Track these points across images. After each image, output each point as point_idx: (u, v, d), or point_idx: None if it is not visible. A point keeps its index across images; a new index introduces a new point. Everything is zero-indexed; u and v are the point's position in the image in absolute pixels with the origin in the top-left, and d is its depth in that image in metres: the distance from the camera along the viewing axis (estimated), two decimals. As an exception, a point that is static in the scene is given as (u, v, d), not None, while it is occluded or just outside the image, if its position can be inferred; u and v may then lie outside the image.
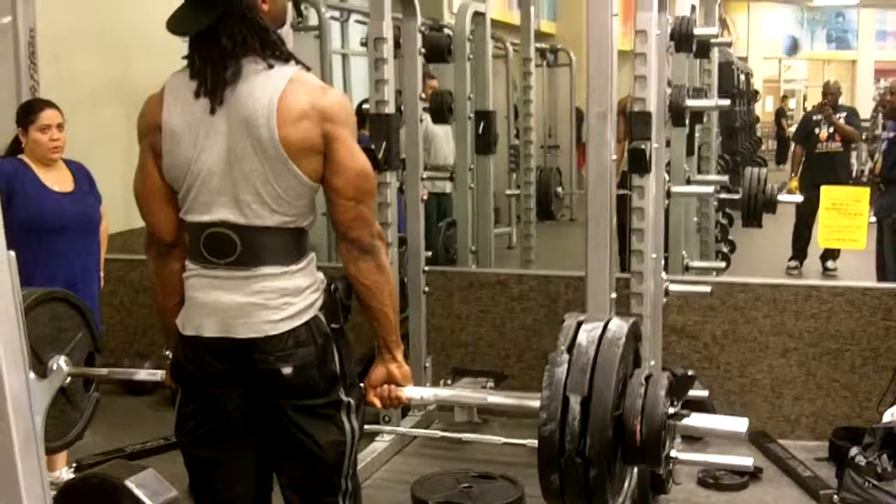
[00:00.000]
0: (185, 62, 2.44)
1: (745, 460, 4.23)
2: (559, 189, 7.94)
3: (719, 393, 5.06)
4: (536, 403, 2.12)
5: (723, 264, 6.68)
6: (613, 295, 3.75)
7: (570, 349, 2.13)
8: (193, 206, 2.41)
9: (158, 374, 2.75)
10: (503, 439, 4.76)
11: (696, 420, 2.20)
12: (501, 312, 5.46)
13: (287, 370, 2.35)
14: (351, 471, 2.51)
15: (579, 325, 2.18)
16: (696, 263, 6.37)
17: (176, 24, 2.42)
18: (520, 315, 5.43)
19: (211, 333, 2.40)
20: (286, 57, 2.41)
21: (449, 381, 5.26)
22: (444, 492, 4.12)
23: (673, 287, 4.69)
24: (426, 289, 5.11)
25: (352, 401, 2.46)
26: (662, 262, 4.64)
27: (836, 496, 4.28)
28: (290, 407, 2.42)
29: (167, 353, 2.63)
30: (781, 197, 6.42)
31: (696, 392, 4.85)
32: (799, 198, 7.24)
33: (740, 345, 5.09)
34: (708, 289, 4.88)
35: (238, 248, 2.37)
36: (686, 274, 6.06)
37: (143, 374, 2.81)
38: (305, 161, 2.34)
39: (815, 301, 5.00)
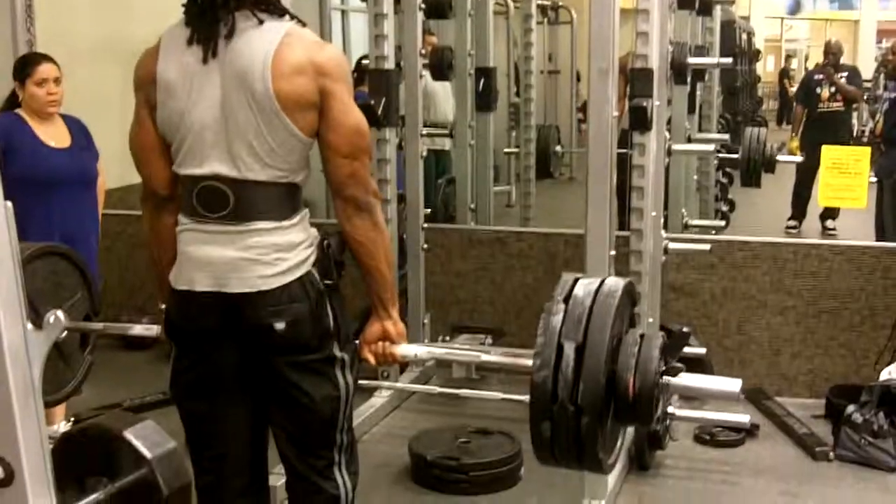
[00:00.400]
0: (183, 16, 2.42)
1: (742, 417, 4.29)
2: (558, 148, 7.91)
3: (717, 350, 5.07)
4: (531, 362, 2.10)
5: (722, 223, 6.70)
6: (612, 252, 3.74)
7: (566, 300, 2.12)
8: (186, 159, 2.40)
9: (154, 329, 2.75)
10: (501, 395, 4.77)
11: (689, 379, 2.19)
12: (500, 270, 5.46)
13: (280, 325, 2.34)
14: (346, 425, 2.51)
15: (576, 280, 2.17)
16: (696, 222, 6.38)
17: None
18: (519, 273, 5.43)
19: (203, 287, 2.39)
20: (281, 12, 2.39)
21: (447, 338, 5.27)
22: (442, 447, 4.14)
23: (672, 245, 4.69)
24: (425, 246, 5.10)
25: (346, 356, 2.46)
26: (662, 219, 4.63)
27: (832, 453, 4.30)
28: (283, 363, 2.41)
29: (162, 307, 2.63)
30: (780, 157, 6.42)
31: (694, 349, 4.86)
32: (797, 158, 7.24)
33: (738, 302, 5.10)
34: (707, 247, 4.87)
35: (231, 202, 2.36)
36: (685, 232, 6.06)
37: (139, 329, 2.81)
38: (300, 115, 2.33)
39: (814, 259, 4.99)
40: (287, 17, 2.39)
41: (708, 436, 4.51)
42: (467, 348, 2.61)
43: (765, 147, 6.22)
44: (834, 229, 8.81)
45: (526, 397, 4.78)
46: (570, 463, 2.12)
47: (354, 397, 2.54)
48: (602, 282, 2.16)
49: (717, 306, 5.13)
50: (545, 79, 11.98)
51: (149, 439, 1.43)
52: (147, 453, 1.42)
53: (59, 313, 2.42)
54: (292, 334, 2.37)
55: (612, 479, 3.74)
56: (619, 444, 2.25)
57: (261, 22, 2.34)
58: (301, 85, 2.31)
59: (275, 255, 2.36)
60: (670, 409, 4.20)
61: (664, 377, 2.11)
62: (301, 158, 2.41)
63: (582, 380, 2.01)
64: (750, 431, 4.55)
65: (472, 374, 5.39)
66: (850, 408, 4.35)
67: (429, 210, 5.30)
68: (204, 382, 2.48)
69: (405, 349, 2.55)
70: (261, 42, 2.32)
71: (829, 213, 8.82)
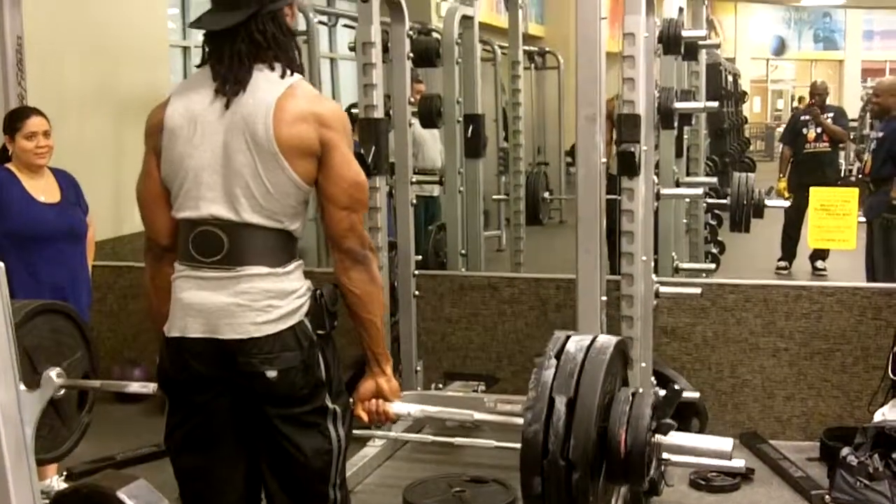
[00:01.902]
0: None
1: (737, 461, 4.25)
2: (547, 194, 7.92)
3: (710, 394, 5.07)
4: (522, 420, 2.12)
5: (712, 266, 6.71)
6: (604, 297, 3.76)
7: (558, 356, 2.14)
8: (184, 203, 2.43)
9: (150, 387, 2.76)
10: (495, 443, 4.75)
11: (681, 438, 2.20)
12: (492, 315, 5.46)
13: (271, 373, 2.34)
14: (339, 480, 2.49)
15: (568, 337, 2.20)
16: (686, 265, 6.38)
17: (203, 23, 2.47)
18: (511, 318, 5.43)
19: (195, 334, 2.39)
20: (295, 69, 2.47)
21: (440, 385, 5.26)
22: (437, 496, 4.13)
23: (663, 289, 4.69)
24: (416, 292, 5.10)
25: (338, 408, 2.45)
26: (652, 263, 4.64)
27: (827, 496, 4.29)
28: (275, 415, 2.41)
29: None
30: (769, 202, 6.45)
31: (688, 393, 4.85)
32: (785, 203, 7.28)
33: (731, 345, 5.10)
34: (698, 290, 4.88)
35: (225, 246, 2.38)
36: (676, 275, 6.07)
37: (136, 387, 2.81)
38: (298, 161, 2.37)
39: (805, 301, 5.01)
40: (296, 71, 2.46)
41: (703, 481, 4.49)
42: (459, 411, 2.60)
43: (753, 192, 6.26)
44: (824, 269, 8.84)
45: (520, 444, 4.77)
46: None
47: (347, 449, 2.52)
48: (594, 339, 2.19)
49: (709, 349, 5.13)
50: (533, 123, 12.04)
51: (142, 499, 1.42)
52: (141, 515, 1.40)
53: (55, 372, 2.41)
54: (283, 383, 2.36)
55: (607, 526, 3.71)
56: (612, 502, 2.23)
57: (272, 69, 2.42)
58: (302, 131, 2.36)
59: (266, 301, 2.37)
60: (665, 455, 4.18)
61: (656, 435, 2.13)
62: (297, 205, 2.42)
63: (573, 434, 2.02)
64: (745, 476, 4.53)
65: (466, 423, 5.37)
66: (845, 450, 4.34)
67: (419, 257, 5.30)
68: (198, 435, 2.47)
69: (399, 407, 2.56)
70: (266, 91, 2.38)
71: (819, 254, 8.85)
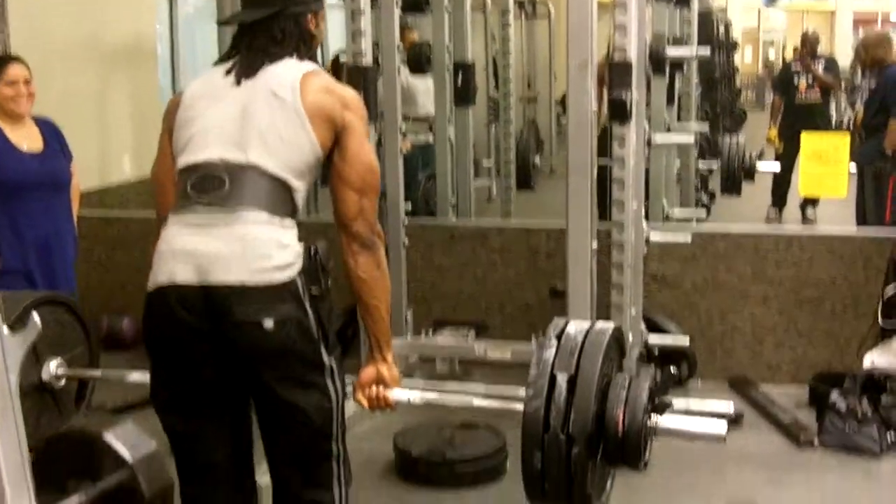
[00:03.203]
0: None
1: (726, 405, 4.30)
2: (537, 159, 7.86)
3: (700, 340, 5.08)
4: (521, 405, 2.16)
5: (703, 213, 6.69)
6: (594, 245, 3.74)
7: (559, 337, 2.20)
8: (189, 151, 2.43)
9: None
10: (485, 389, 4.76)
11: (676, 421, 2.25)
12: (482, 264, 5.46)
13: (268, 323, 2.29)
14: (340, 433, 2.48)
15: (567, 321, 2.27)
16: (677, 212, 6.37)
17: (230, 19, 2.62)
18: (501, 267, 5.42)
19: (185, 279, 2.33)
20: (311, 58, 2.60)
21: (430, 332, 5.26)
22: (427, 442, 4.14)
23: (654, 236, 4.69)
24: (406, 241, 5.09)
25: (334, 363, 2.43)
26: (643, 211, 4.63)
27: (816, 440, 4.31)
28: (272, 377, 2.37)
29: None
30: (760, 165, 6.47)
31: (677, 339, 4.87)
32: (776, 165, 7.29)
33: (721, 293, 5.11)
34: (688, 237, 4.87)
35: (226, 185, 2.36)
36: (667, 223, 6.07)
37: (136, 376, 2.78)
38: (319, 124, 2.40)
39: (795, 249, 5.01)
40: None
41: (693, 426, 4.51)
42: (457, 396, 2.64)
43: (744, 156, 6.27)
44: (814, 218, 8.84)
45: (510, 390, 4.78)
46: (559, 498, 2.15)
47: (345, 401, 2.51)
48: (593, 323, 2.26)
49: (699, 296, 5.14)
50: (523, 72, 11.96)
51: (129, 441, 1.41)
52: (128, 456, 1.40)
53: (55, 362, 2.38)
54: (279, 335, 2.31)
55: (597, 471, 3.73)
56: (608, 487, 2.31)
57: (290, 58, 2.52)
58: (327, 101, 2.44)
59: (263, 249, 2.32)
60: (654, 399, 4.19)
61: (653, 415, 2.18)
62: (304, 166, 2.41)
63: (573, 410, 2.08)
64: (734, 420, 4.55)
65: (457, 369, 5.39)
66: (834, 395, 4.36)
67: (409, 205, 5.28)
68: (183, 399, 2.43)
69: (398, 394, 2.59)
70: (290, 68, 2.49)
71: (810, 202, 8.85)
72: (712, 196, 7.42)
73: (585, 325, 2.25)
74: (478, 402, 2.61)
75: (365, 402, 2.58)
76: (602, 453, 2.16)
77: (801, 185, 5.30)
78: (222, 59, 2.58)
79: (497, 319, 5.43)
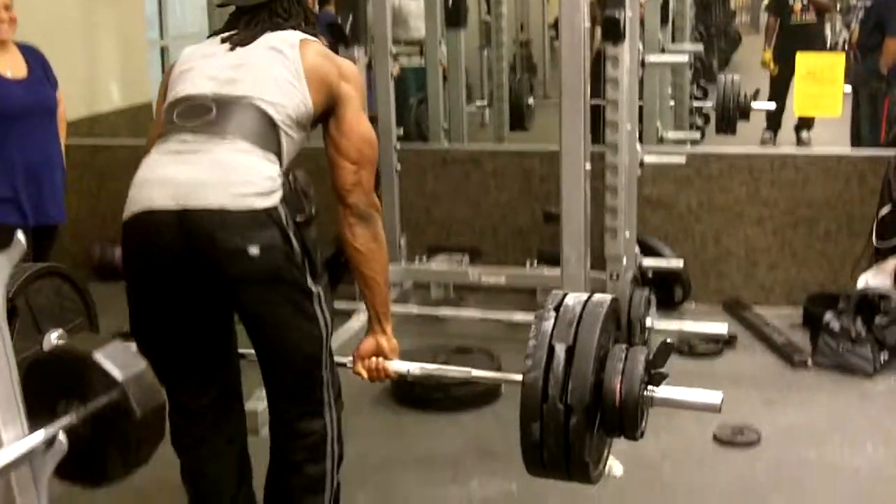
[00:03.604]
0: None
1: (720, 327, 4.31)
2: (531, 101, 7.74)
3: (694, 263, 5.07)
4: (520, 377, 2.18)
5: (697, 135, 6.65)
6: (588, 166, 3.70)
7: (556, 308, 2.21)
8: (180, 87, 2.43)
9: None
10: (480, 314, 4.77)
11: (672, 392, 2.25)
12: (475, 189, 5.42)
13: (253, 250, 2.24)
14: (329, 361, 2.46)
15: (566, 294, 2.27)
16: (671, 134, 6.33)
17: (228, 4, 2.60)
18: (494, 192, 5.39)
19: (162, 205, 2.26)
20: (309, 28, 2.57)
21: (424, 258, 5.25)
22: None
23: (648, 158, 4.66)
24: (398, 167, 5.05)
25: (320, 290, 2.39)
26: (637, 133, 4.60)
27: (810, 360, 4.33)
28: (258, 304, 2.34)
29: None
30: (755, 105, 6.41)
31: (671, 262, 4.86)
32: (771, 105, 7.23)
33: (715, 215, 5.09)
34: (683, 159, 4.85)
35: (213, 112, 2.33)
36: (661, 146, 6.03)
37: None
38: (315, 86, 2.40)
39: (790, 169, 4.98)
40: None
41: (687, 347, 4.52)
42: (456, 368, 2.64)
43: (739, 95, 6.21)
44: (809, 140, 8.80)
45: (504, 315, 4.79)
46: (557, 468, 2.17)
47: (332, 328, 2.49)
48: (591, 295, 2.27)
49: (693, 219, 5.12)
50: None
51: (119, 360, 1.39)
52: (118, 375, 1.38)
53: (55, 334, 2.35)
54: (265, 262, 2.27)
55: (592, 393, 3.74)
56: (605, 456, 2.31)
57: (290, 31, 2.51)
58: (325, 67, 2.44)
59: (245, 175, 2.27)
60: (648, 322, 4.20)
61: (649, 387, 2.19)
62: (294, 113, 2.38)
63: (572, 380, 2.09)
64: (728, 342, 4.57)
65: (451, 295, 5.39)
66: (828, 315, 4.37)
67: (401, 130, 5.23)
68: (165, 329, 2.41)
69: (397, 365, 2.58)
70: (291, 34, 2.47)
71: (804, 124, 8.81)
72: (707, 119, 7.36)
73: (583, 296, 2.26)
74: (476, 373, 2.62)
75: (364, 374, 2.57)
76: (599, 423, 2.18)
77: (796, 104, 5.25)
78: (217, 33, 2.56)
79: (491, 244, 5.41)
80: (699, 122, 7.38)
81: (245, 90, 2.35)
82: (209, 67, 2.44)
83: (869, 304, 4.35)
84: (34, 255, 3.87)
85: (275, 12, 2.51)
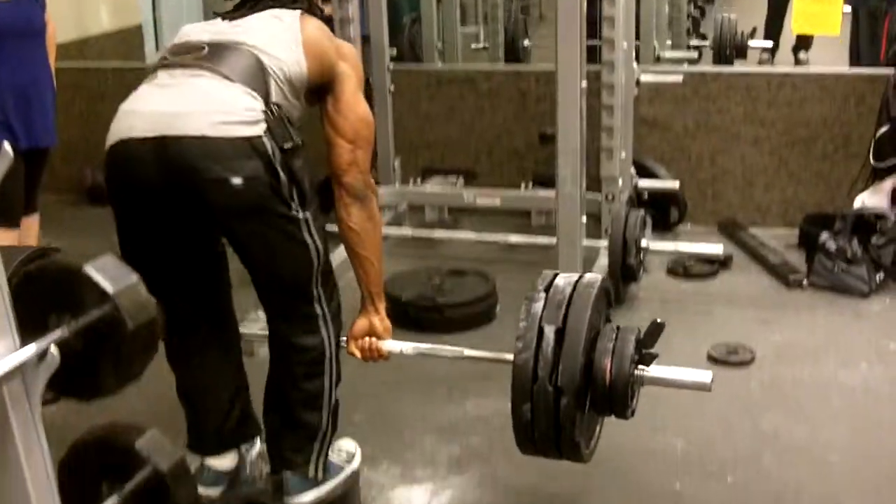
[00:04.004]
0: None
1: (715, 247, 4.30)
2: (527, 42, 7.58)
3: (690, 183, 5.04)
4: (511, 357, 2.21)
5: (695, 54, 6.58)
6: (584, 84, 3.65)
7: (547, 290, 2.24)
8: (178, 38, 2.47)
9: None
10: (474, 236, 4.75)
11: (662, 371, 2.31)
12: (470, 110, 5.37)
13: (236, 180, 2.22)
14: (322, 279, 2.46)
15: (556, 274, 2.31)
16: (668, 54, 6.26)
17: None
18: (489, 112, 5.34)
19: (142, 133, 2.24)
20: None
21: (419, 180, 5.22)
22: (417, 288, 4.13)
23: (644, 77, 4.61)
24: (391, 88, 4.99)
25: (308, 216, 2.37)
26: (634, 52, 4.54)
27: (805, 281, 4.33)
28: (245, 232, 2.34)
29: None
30: (752, 43, 6.34)
31: (668, 183, 4.84)
32: (768, 43, 7.14)
33: (712, 135, 5.05)
34: (680, 78, 4.80)
35: (205, 50, 2.34)
36: (658, 65, 5.96)
37: None
38: (312, 57, 2.39)
39: (788, 89, 4.93)
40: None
41: (681, 268, 4.52)
42: (449, 348, 2.66)
43: (735, 35, 6.13)
44: (807, 60, 8.71)
45: (499, 237, 4.78)
46: (548, 447, 2.21)
47: (329, 247, 2.48)
48: (581, 275, 2.31)
49: (690, 139, 5.08)
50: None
51: (110, 273, 1.36)
52: (109, 288, 1.35)
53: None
54: (250, 192, 2.24)
55: (587, 313, 3.74)
56: (596, 434, 2.35)
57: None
58: (324, 42, 2.45)
59: (227, 106, 2.25)
60: (643, 243, 4.19)
61: (639, 366, 2.24)
62: (288, 70, 2.36)
63: (562, 361, 2.13)
64: (723, 263, 4.56)
65: (445, 217, 5.37)
66: (824, 235, 4.35)
67: (394, 51, 5.16)
68: (152, 252, 2.39)
69: (390, 345, 2.63)
70: (290, 10, 2.48)
71: (802, 44, 8.71)
72: (703, 38, 7.28)
73: (574, 277, 2.30)
74: (469, 352, 2.64)
75: (358, 354, 2.61)
76: (590, 403, 2.22)
77: (794, 22, 5.17)
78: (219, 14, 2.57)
79: (486, 166, 5.38)
80: (696, 41, 7.30)
81: (240, 38, 2.37)
82: (208, 28, 2.47)
83: (865, 225, 4.34)
84: (26, 179, 3.85)
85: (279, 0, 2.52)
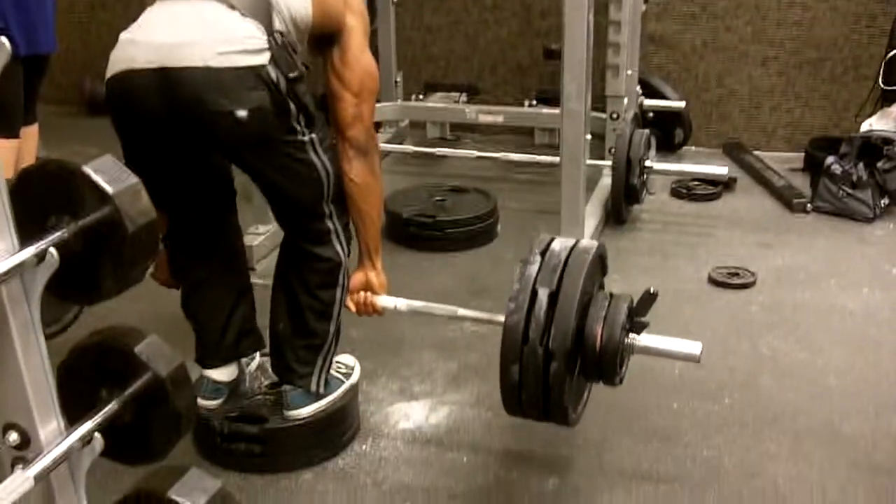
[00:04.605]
0: None
1: (720, 169, 4.26)
2: None
3: (696, 104, 4.99)
4: (502, 318, 2.20)
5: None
6: (592, -2, 3.58)
7: (542, 253, 2.24)
8: None
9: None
10: (476, 153, 4.71)
11: (652, 340, 2.30)
12: (474, 24, 5.29)
13: (241, 113, 2.17)
14: (333, 195, 2.44)
15: (552, 238, 2.31)
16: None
17: None
18: (493, 26, 5.26)
19: (144, 64, 2.18)
20: None
21: (421, 96, 5.16)
22: (418, 204, 4.10)
23: (653, -8, 4.53)
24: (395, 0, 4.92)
25: (314, 137, 2.35)
26: (643, -34, 4.46)
27: (809, 205, 4.30)
28: (252, 159, 2.33)
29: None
30: None
31: (673, 103, 4.78)
32: None
33: (719, 54, 4.98)
34: (690, -7, 4.73)
35: None
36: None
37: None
38: (316, 2, 2.31)
39: (798, 8, 4.84)
40: None
41: (685, 190, 4.49)
42: (443, 307, 2.62)
43: None
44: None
45: (501, 154, 4.73)
46: (535, 411, 2.21)
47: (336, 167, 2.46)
48: (577, 241, 2.31)
49: (697, 58, 5.01)
50: None
51: (109, 174, 1.34)
52: (109, 188, 1.33)
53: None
54: (255, 123, 2.21)
55: (587, 232, 3.72)
56: (584, 399, 2.35)
57: None
58: None
59: (230, 34, 2.19)
60: (647, 163, 4.15)
61: (630, 334, 2.25)
62: (293, 9, 2.28)
63: (554, 325, 2.13)
64: (727, 185, 4.53)
65: (447, 134, 5.32)
66: (830, 159, 4.31)
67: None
68: (156, 174, 2.29)
69: (385, 300, 2.63)
70: None
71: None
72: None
73: (570, 242, 2.29)
74: (462, 312, 2.60)
75: (353, 307, 2.61)
76: (579, 368, 2.22)
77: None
78: None
79: (489, 81, 5.32)
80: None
81: None
82: None
83: (872, 149, 4.29)
84: (25, 88, 3.79)
85: None
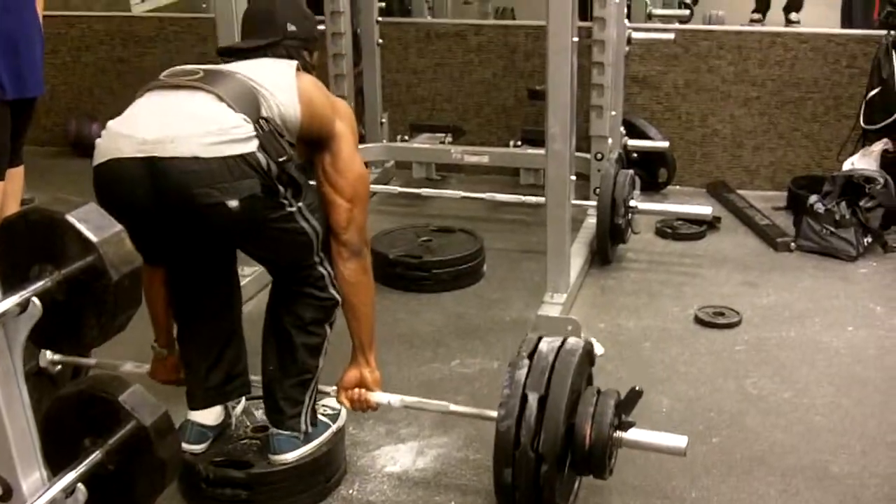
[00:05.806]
0: None
1: (704, 209, 4.28)
2: None
3: (679, 143, 5.02)
4: (495, 414, 2.32)
5: (686, 12, 6.51)
6: (575, 39, 3.60)
7: (530, 356, 2.34)
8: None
9: (144, 368, 2.74)
10: (462, 193, 4.72)
11: (639, 434, 2.38)
12: (459, 65, 5.31)
13: (233, 203, 2.19)
14: (319, 246, 2.49)
15: (540, 338, 2.41)
16: (659, 11, 6.20)
17: (231, 46, 2.65)
18: (478, 67, 5.28)
19: (131, 153, 2.19)
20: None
21: (406, 137, 5.17)
22: (405, 245, 4.11)
23: (636, 34, 4.56)
24: (380, 41, 4.94)
25: (301, 204, 2.39)
26: (625, 8, 4.49)
27: (793, 244, 4.31)
28: (243, 241, 2.45)
29: (154, 345, 2.68)
30: None
31: (657, 142, 4.81)
32: None
33: (702, 94, 5.01)
34: (671, 36, 4.75)
35: (199, 73, 2.35)
36: (649, 22, 5.91)
37: (129, 367, 2.75)
38: (304, 107, 2.37)
39: (779, 48, 4.89)
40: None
41: (670, 229, 4.51)
42: (436, 402, 2.67)
43: None
44: (798, 22, 8.66)
45: (487, 195, 4.75)
46: None
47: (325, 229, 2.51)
48: (564, 340, 2.42)
49: (680, 98, 5.04)
50: None
51: (93, 223, 1.33)
52: (93, 237, 1.33)
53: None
54: (247, 212, 2.23)
55: (574, 272, 3.73)
56: (574, 490, 2.47)
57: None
58: (319, 97, 2.46)
59: (217, 125, 2.22)
60: (632, 203, 4.17)
61: (617, 431, 2.34)
62: (283, 110, 2.34)
63: (543, 428, 2.23)
64: (711, 224, 4.55)
65: (434, 175, 5.33)
66: (813, 198, 4.34)
67: (383, 3, 5.10)
68: (153, 253, 2.33)
69: (380, 397, 2.64)
70: (283, 62, 2.51)
71: (793, 5, 8.66)
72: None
73: (557, 342, 2.38)
74: (454, 408, 2.65)
75: (347, 404, 2.64)
76: (569, 465, 2.31)
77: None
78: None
79: (474, 122, 5.34)
80: None
81: (237, 70, 2.39)
82: (202, 66, 2.46)
83: (854, 187, 4.32)
84: (12, 130, 3.79)
85: (276, 54, 2.55)
